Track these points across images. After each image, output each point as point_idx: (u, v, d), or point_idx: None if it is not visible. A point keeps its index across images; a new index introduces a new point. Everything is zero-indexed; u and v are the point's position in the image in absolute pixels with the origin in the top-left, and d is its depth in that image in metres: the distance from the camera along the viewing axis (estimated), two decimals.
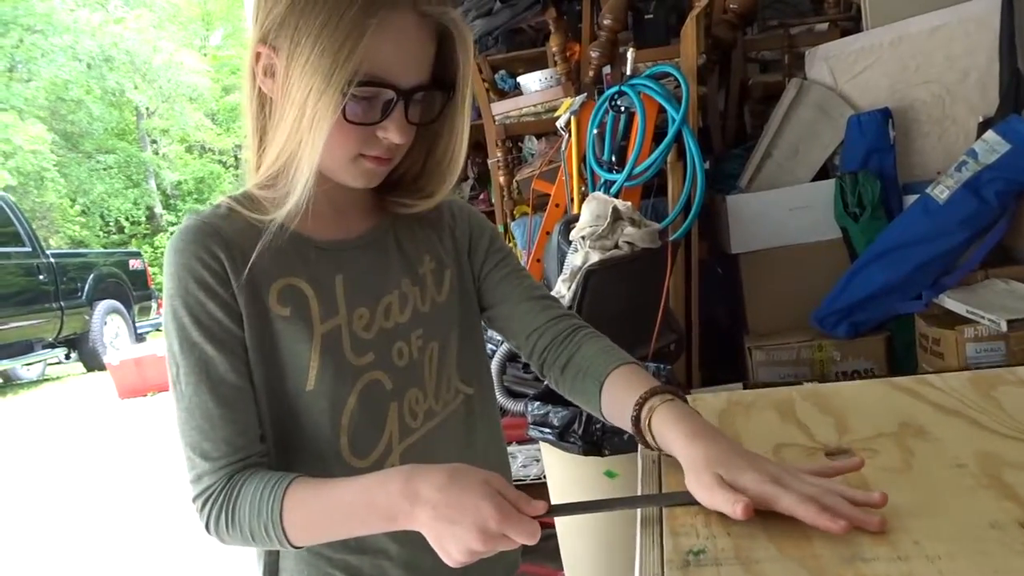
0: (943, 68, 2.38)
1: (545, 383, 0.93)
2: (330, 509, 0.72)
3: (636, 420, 0.74)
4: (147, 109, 17.03)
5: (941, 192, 2.15)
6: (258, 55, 0.76)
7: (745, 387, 2.28)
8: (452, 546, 0.65)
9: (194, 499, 0.77)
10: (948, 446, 0.68)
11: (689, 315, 2.52)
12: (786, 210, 2.49)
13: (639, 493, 0.71)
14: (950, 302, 2.05)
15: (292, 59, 0.72)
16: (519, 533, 0.64)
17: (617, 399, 0.80)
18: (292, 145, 0.75)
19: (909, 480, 0.62)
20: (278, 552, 0.86)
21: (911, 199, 2.30)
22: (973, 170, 2.11)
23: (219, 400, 0.76)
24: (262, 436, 0.80)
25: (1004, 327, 1.86)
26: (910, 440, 0.70)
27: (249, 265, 0.78)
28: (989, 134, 2.11)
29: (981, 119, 2.29)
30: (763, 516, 0.59)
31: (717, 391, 2.24)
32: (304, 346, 0.80)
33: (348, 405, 0.82)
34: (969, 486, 0.60)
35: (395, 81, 0.74)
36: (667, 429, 0.70)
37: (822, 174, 2.55)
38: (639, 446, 0.76)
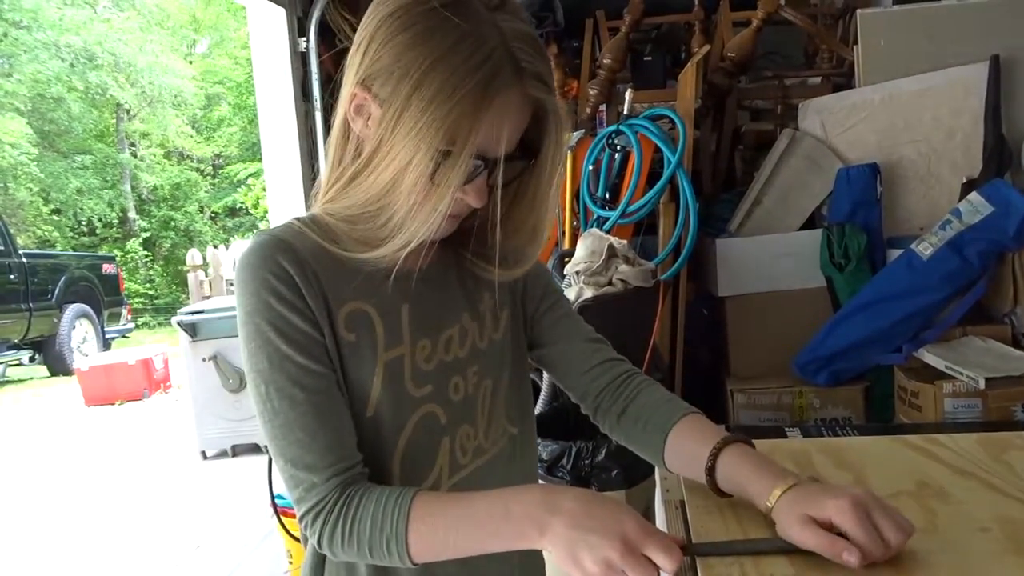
0: (930, 128, 2.45)
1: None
2: (460, 519, 0.71)
3: (711, 471, 0.77)
4: (128, 111, 16.85)
5: (925, 248, 2.20)
6: (354, 95, 0.75)
7: (727, 429, 2.30)
8: (586, 556, 0.63)
9: (304, 515, 0.75)
10: (970, 509, 0.69)
11: (673, 354, 2.55)
12: (773, 256, 2.53)
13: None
14: (929, 356, 2.09)
15: (398, 119, 0.71)
16: (660, 550, 0.63)
17: (686, 450, 0.83)
18: (386, 199, 0.74)
19: (937, 541, 0.64)
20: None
21: (895, 253, 2.35)
22: (956, 229, 2.16)
23: (317, 410, 0.75)
24: (358, 442, 0.79)
25: (982, 384, 1.89)
26: (931, 500, 0.72)
27: (320, 286, 0.77)
28: (974, 196, 2.16)
29: (964, 179, 2.35)
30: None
31: None
32: (367, 372, 0.79)
33: (404, 435, 0.81)
34: (996, 551, 0.62)
35: (487, 154, 0.74)
36: (737, 472, 0.74)
37: (809, 223, 2.60)
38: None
